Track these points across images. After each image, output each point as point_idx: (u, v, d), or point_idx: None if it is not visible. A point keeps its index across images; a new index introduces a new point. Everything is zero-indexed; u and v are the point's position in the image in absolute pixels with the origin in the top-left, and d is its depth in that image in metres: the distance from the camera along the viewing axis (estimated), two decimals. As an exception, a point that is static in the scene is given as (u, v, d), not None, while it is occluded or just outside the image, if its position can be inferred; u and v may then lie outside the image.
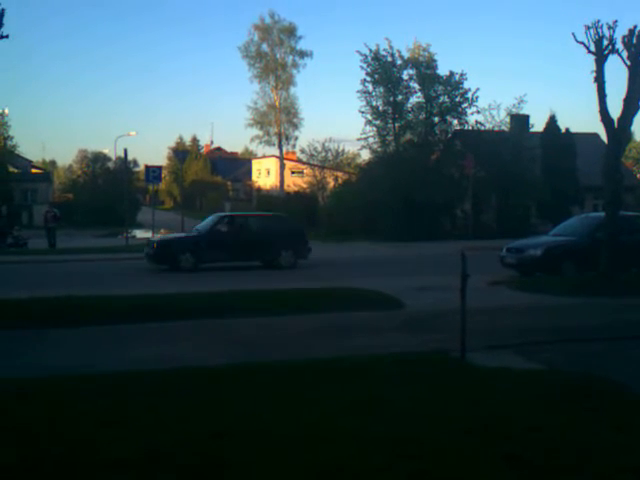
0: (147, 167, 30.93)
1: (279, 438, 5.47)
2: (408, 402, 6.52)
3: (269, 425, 5.80)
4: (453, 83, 35.03)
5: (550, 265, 17.06)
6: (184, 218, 32.53)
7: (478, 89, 35.24)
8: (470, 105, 35.17)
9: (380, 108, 35.68)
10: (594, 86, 15.49)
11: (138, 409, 6.32)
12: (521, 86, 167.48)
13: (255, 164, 73.72)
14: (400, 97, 35.44)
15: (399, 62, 35.25)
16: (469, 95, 34.97)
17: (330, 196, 42.68)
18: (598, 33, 15.36)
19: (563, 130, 36.09)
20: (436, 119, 35.91)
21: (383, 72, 34.94)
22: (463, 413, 6.17)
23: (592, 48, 15.39)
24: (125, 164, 35.01)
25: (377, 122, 35.89)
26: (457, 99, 35.11)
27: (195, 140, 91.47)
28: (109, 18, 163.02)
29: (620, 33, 15.31)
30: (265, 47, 54.27)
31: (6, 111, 57.29)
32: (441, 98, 35.38)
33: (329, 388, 7.04)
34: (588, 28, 15.39)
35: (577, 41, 15.44)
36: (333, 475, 4.83)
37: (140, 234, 38.36)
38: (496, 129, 36.08)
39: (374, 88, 35.44)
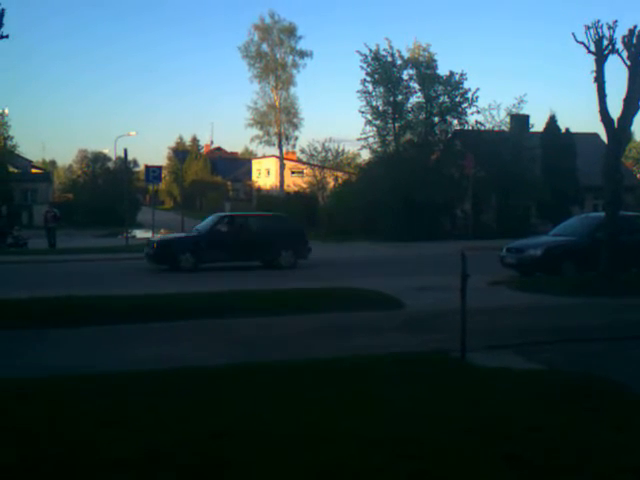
0: (147, 167, 30.93)
1: (279, 438, 5.47)
2: (408, 402, 6.52)
3: (269, 425, 5.79)
4: (453, 83, 35.04)
5: (550, 265, 17.07)
6: (184, 218, 32.52)
7: (478, 89, 35.32)
8: (470, 105, 35.20)
9: (380, 108, 35.69)
10: (594, 86, 15.49)
11: (138, 409, 6.32)
12: (521, 86, 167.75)
13: (255, 164, 73.73)
14: (400, 97, 35.45)
15: (399, 62, 35.27)
16: (469, 95, 35.01)
17: (330, 196, 42.69)
18: (598, 33, 15.36)
19: (563, 130, 36.10)
20: (436, 119, 35.91)
21: (383, 72, 34.94)
22: (463, 413, 6.17)
23: (592, 48, 15.39)
24: (125, 164, 35.02)
25: (377, 122, 35.91)
26: (457, 99, 35.12)
27: (195, 140, 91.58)
28: (109, 18, 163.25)
29: (620, 33, 15.33)
30: (265, 47, 54.33)
31: (6, 111, 57.42)
32: (441, 98, 35.40)
33: (329, 388, 7.03)
34: (588, 28, 15.40)
35: (577, 41, 15.44)
36: (333, 475, 4.82)
37: (140, 234, 38.36)
38: (496, 129, 36.10)
39: (374, 88, 35.46)
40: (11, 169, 52.67)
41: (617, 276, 15.12)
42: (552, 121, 36.09)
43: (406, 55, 35.61)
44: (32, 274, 19.80)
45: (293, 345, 9.72)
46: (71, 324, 10.98)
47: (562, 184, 33.84)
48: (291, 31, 54.23)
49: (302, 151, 54.13)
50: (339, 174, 46.63)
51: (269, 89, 54.56)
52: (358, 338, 10.24)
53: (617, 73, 16.69)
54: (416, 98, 35.92)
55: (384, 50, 35.04)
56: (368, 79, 35.26)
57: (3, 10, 12.59)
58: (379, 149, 36.62)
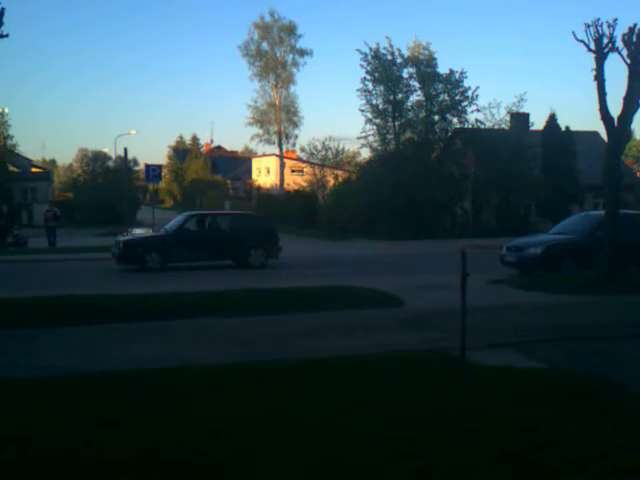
0: (147, 166, 30.89)
1: (279, 437, 5.47)
2: (408, 401, 6.52)
3: (269, 425, 5.79)
4: (453, 81, 35.04)
5: (550, 263, 17.07)
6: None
7: (478, 87, 35.36)
8: (470, 103, 35.22)
9: (380, 106, 35.70)
10: (594, 84, 15.49)
11: (138, 409, 6.32)
12: (521, 84, 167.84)
13: (255, 163, 73.71)
14: (400, 95, 35.45)
15: (399, 60, 35.27)
16: (469, 93, 35.02)
17: (330, 195, 42.65)
18: (598, 31, 15.35)
19: (563, 128, 36.06)
20: (436, 117, 35.92)
21: (383, 70, 34.94)
22: (463, 412, 6.16)
23: (592, 46, 15.39)
24: (125, 163, 35.03)
25: (377, 120, 35.93)
26: (457, 97, 35.13)
27: (195, 139, 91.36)
28: (109, 16, 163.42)
29: (620, 31, 15.36)
30: (265, 46, 54.38)
31: (6, 110, 57.36)
32: (441, 96, 35.41)
33: (329, 387, 7.04)
34: (588, 26, 15.40)
35: (577, 39, 15.44)
36: (333, 474, 4.82)
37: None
38: (496, 127, 36.07)
39: (374, 86, 35.47)
40: (11, 168, 52.60)
41: (617, 274, 15.13)
42: (552, 119, 36.07)
43: (406, 53, 35.66)
44: (32, 273, 19.80)
45: (293, 344, 9.71)
46: (71, 324, 10.99)
47: (562, 182, 33.83)
48: (291, 29, 54.28)
49: (302, 150, 54.14)
50: (339, 173, 46.60)
51: (269, 87, 54.67)
52: (358, 336, 10.25)
53: (617, 71, 16.73)
54: (416, 96, 36.00)
55: (384, 48, 35.11)
56: (368, 77, 35.31)
57: (3, 9, 12.59)
58: (379, 147, 36.63)
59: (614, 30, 15.27)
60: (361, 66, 35.27)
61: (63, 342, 10.00)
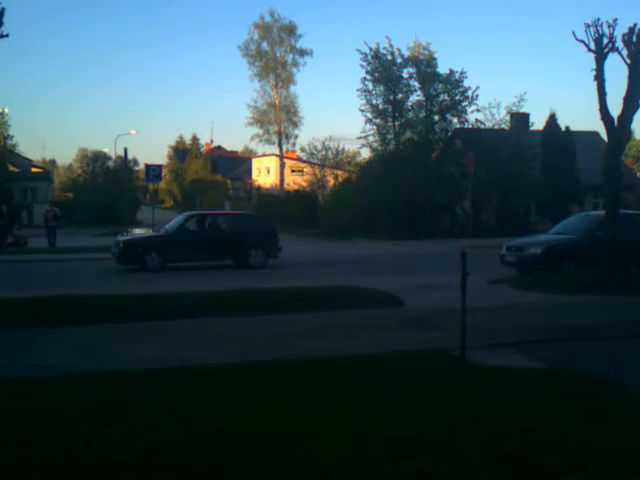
0: (147, 166, 30.89)
1: (279, 437, 5.47)
2: (408, 401, 6.52)
3: (269, 425, 5.79)
4: (453, 81, 35.05)
5: (550, 263, 17.08)
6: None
7: (478, 87, 35.39)
8: (470, 103, 35.23)
9: (380, 106, 35.72)
10: (594, 84, 15.49)
11: (138, 409, 6.32)
12: (521, 84, 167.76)
13: (255, 163, 73.72)
14: (400, 95, 35.47)
15: (399, 60, 35.29)
16: (469, 93, 35.04)
17: (330, 195, 42.65)
18: (598, 31, 15.35)
19: (563, 128, 36.06)
20: (436, 117, 35.93)
21: (383, 70, 34.96)
22: (463, 412, 6.16)
23: (592, 46, 15.39)
24: (125, 163, 35.04)
25: (377, 120, 35.95)
26: (457, 97, 35.14)
27: (195, 139, 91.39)
28: (109, 16, 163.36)
29: (620, 31, 15.37)
30: (265, 46, 54.40)
31: (6, 110, 57.36)
32: (441, 96, 35.43)
33: (329, 387, 7.04)
34: (588, 26, 15.40)
35: (577, 39, 15.44)
36: (333, 475, 4.82)
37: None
38: (496, 127, 36.08)
39: (374, 86, 35.50)
40: (11, 168, 52.60)
41: (617, 274, 15.13)
42: (552, 119, 36.07)
43: (406, 53, 35.69)
44: (32, 273, 19.81)
45: (293, 344, 9.71)
46: (71, 324, 10.99)
47: (562, 182, 33.83)
48: (291, 29, 54.29)
49: (302, 150, 54.16)
50: (339, 173, 46.61)
51: (269, 88, 54.70)
52: (358, 336, 10.25)
53: (617, 71, 16.73)
54: (416, 96, 36.03)
55: (384, 48, 35.13)
56: (368, 77, 35.33)
57: (3, 9, 12.59)
58: (379, 147, 36.65)
59: (614, 30, 15.29)
60: (361, 66, 35.36)
61: (63, 342, 10.00)
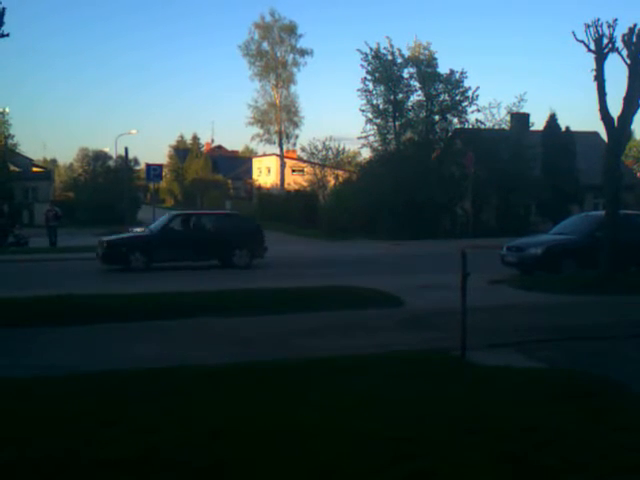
0: (148, 165, 30.91)
1: (279, 437, 5.48)
2: (408, 401, 6.52)
3: (269, 425, 5.79)
4: (453, 81, 35.06)
5: (550, 264, 17.08)
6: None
7: (478, 87, 35.45)
8: (470, 103, 35.26)
9: (381, 106, 35.73)
10: (594, 85, 15.50)
11: (138, 409, 6.32)
12: (521, 84, 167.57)
13: (256, 162, 73.70)
14: (400, 95, 35.48)
15: (399, 60, 35.30)
16: (469, 93, 35.06)
17: (330, 195, 42.68)
18: (598, 31, 15.36)
19: (563, 129, 36.04)
20: (436, 117, 35.94)
21: (383, 70, 34.97)
22: (463, 412, 6.17)
23: (592, 46, 15.39)
24: (126, 162, 35.10)
25: (378, 120, 35.96)
26: (457, 97, 35.15)
27: (196, 138, 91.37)
28: (109, 16, 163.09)
29: (620, 31, 15.36)
30: (266, 45, 54.46)
31: (7, 110, 57.40)
32: (441, 96, 35.44)
33: (329, 387, 7.04)
34: (588, 26, 15.40)
35: (577, 39, 15.44)
36: (333, 475, 4.83)
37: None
38: (496, 127, 36.10)
39: (374, 86, 35.51)
40: (12, 168, 52.61)
41: (617, 274, 15.14)
42: (552, 120, 36.06)
43: (406, 53, 35.69)
44: (33, 273, 19.81)
45: (293, 344, 9.72)
46: (71, 323, 11.00)
47: (562, 183, 33.82)
48: (291, 29, 54.33)
49: (302, 149, 54.22)
50: (340, 173, 46.63)
51: (270, 87, 54.75)
52: (358, 336, 10.25)
53: (617, 71, 16.71)
54: (416, 96, 36.04)
55: (384, 48, 35.14)
56: (369, 77, 35.34)
57: (3, 9, 12.60)
58: (379, 147, 36.68)
59: (614, 30, 15.29)
60: (361, 66, 35.37)
61: (63, 342, 10.00)
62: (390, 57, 35.06)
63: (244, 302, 12.52)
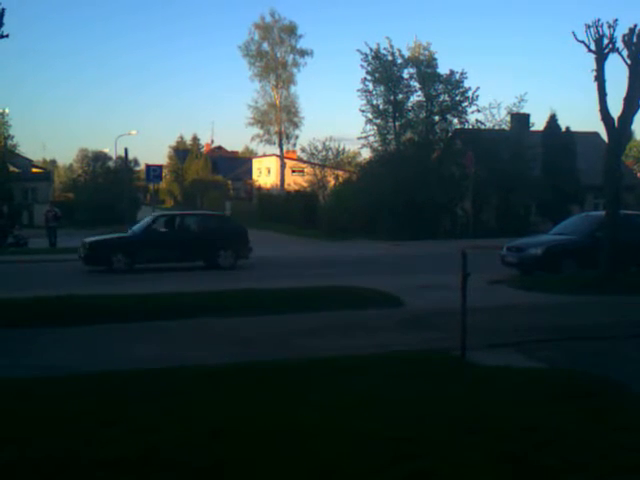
0: (148, 166, 30.88)
1: (279, 438, 5.47)
2: (408, 401, 6.52)
3: (269, 425, 5.79)
4: (453, 82, 35.07)
5: (551, 264, 17.09)
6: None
7: (478, 88, 35.44)
8: (470, 104, 35.27)
9: (381, 107, 35.76)
10: (594, 85, 15.50)
11: (138, 409, 6.32)
12: (521, 85, 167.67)
13: (255, 163, 73.72)
14: (400, 96, 35.50)
15: (399, 61, 35.33)
16: (469, 94, 35.06)
17: (330, 195, 42.70)
18: (598, 32, 15.36)
19: (563, 129, 36.05)
20: (436, 118, 35.96)
21: (383, 71, 34.99)
22: (463, 412, 6.16)
23: (592, 47, 15.39)
24: (126, 163, 35.05)
25: (378, 121, 35.99)
26: (457, 98, 35.17)
27: (196, 139, 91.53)
28: (109, 16, 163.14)
29: (620, 32, 15.33)
30: (266, 46, 54.45)
31: (6, 110, 57.40)
32: (441, 97, 35.46)
33: (329, 387, 7.04)
34: (588, 27, 15.40)
35: (577, 40, 15.44)
36: (333, 475, 4.82)
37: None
38: (496, 128, 36.10)
39: (374, 87, 35.55)
40: (12, 168, 52.60)
41: (617, 274, 15.14)
42: (552, 120, 36.07)
43: (406, 54, 35.74)
44: (33, 273, 19.82)
45: (293, 344, 9.72)
46: (71, 324, 11.00)
47: (562, 183, 33.82)
48: (291, 30, 54.34)
49: (302, 150, 54.31)
50: (340, 173, 46.65)
51: (269, 88, 54.75)
52: (358, 336, 10.25)
53: (617, 72, 16.72)
54: (416, 97, 36.07)
55: (384, 49, 35.17)
56: (369, 78, 35.38)
57: (3, 9, 12.61)
58: (379, 148, 36.70)
59: (614, 31, 15.29)
60: (361, 66, 35.40)
61: (63, 342, 10.00)
62: (390, 57, 35.09)
63: (244, 302, 12.52)
